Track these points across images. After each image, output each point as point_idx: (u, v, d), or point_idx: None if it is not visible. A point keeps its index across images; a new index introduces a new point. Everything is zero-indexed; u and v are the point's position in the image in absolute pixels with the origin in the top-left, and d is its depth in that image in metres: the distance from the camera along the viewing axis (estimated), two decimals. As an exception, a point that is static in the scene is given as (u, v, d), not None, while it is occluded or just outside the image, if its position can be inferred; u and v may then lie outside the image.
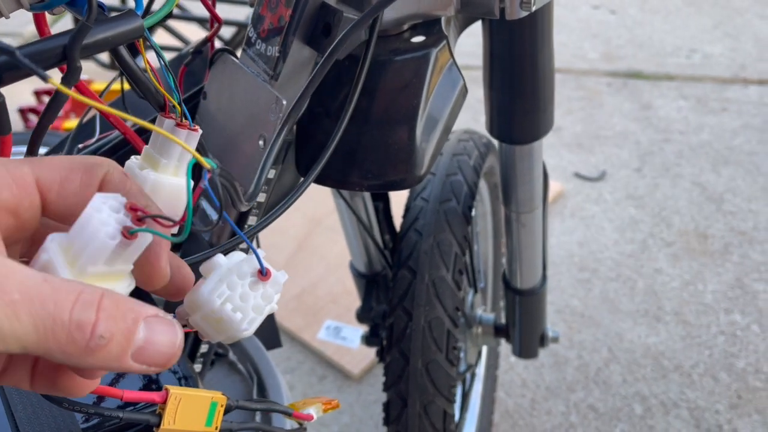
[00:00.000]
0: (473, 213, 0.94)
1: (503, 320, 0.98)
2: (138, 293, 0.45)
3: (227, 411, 0.39)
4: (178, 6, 2.17)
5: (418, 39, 0.51)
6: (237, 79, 0.48)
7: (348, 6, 0.47)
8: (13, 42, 2.86)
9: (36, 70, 0.22)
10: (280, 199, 0.50)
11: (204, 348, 0.58)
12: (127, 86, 0.48)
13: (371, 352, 1.39)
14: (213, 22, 0.48)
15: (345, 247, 1.02)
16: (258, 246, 0.71)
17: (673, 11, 2.96)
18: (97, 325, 0.22)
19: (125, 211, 0.24)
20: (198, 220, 0.54)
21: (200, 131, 0.33)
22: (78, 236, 0.24)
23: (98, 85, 2.17)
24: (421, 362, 0.72)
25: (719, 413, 1.27)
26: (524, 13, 0.49)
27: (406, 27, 0.52)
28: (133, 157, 0.33)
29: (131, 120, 0.23)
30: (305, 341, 1.47)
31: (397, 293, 0.74)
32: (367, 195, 0.86)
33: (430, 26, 0.52)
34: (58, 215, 0.26)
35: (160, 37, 2.38)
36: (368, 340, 0.97)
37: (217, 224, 0.26)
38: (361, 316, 0.95)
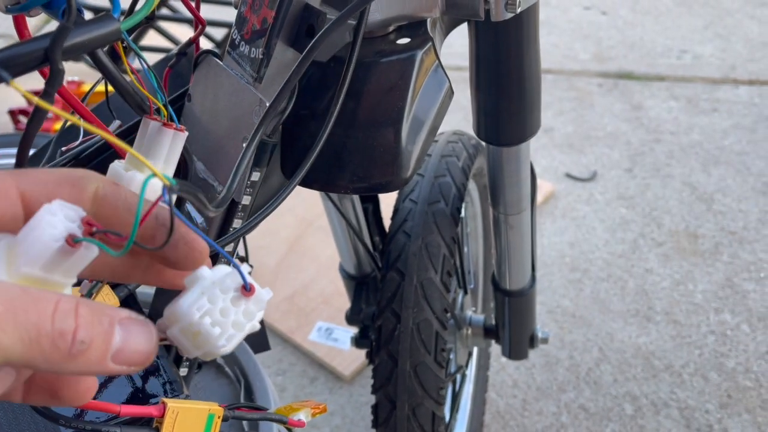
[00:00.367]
0: (462, 214, 0.94)
1: (493, 321, 0.98)
2: (126, 302, 0.45)
3: (223, 420, 0.39)
4: (168, 7, 2.16)
5: (404, 41, 0.51)
6: (221, 81, 0.48)
7: (332, 8, 0.47)
8: (2, 43, 2.85)
9: (5, 76, 0.22)
10: (266, 202, 0.50)
11: (190, 351, 0.57)
12: (111, 88, 0.48)
13: (362, 354, 1.39)
14: (197, 24, 0.48)
15: (336, 249, 1.01)
16: (247, 260, 0.71)
17: (663, 12, 2.98)
18: (78, 332, 0.22)
19: (80, 223, 0.24)
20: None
21: (186, 132, 0.33)
22: (24, 235, 0.23)
23: (88, 87, 2.16)
24: (410, 364, 0.71)
25: (709, 413, 1.27)
26: (509, 15, 0.49)
27: (391, 29, 0.52)
28: (116, 161, 0.33)
29: (98, 133, 0.23)
30: (297, 343, 1.46)
31: (385, 295, 0.74)
32: (355, 197, 0.86)
33: (416, 28, 0.52)
34: None
35: (152, 38, 2.37)
36: (358, 341, 0.96)
37: (166, 243, 0.25)
38: (351, 317, 0.95)
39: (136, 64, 2.15)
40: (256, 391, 0.63)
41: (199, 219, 0.52)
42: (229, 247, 0.54)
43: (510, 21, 0.52)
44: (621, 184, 1.92)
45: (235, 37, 0.48)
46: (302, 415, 0.48)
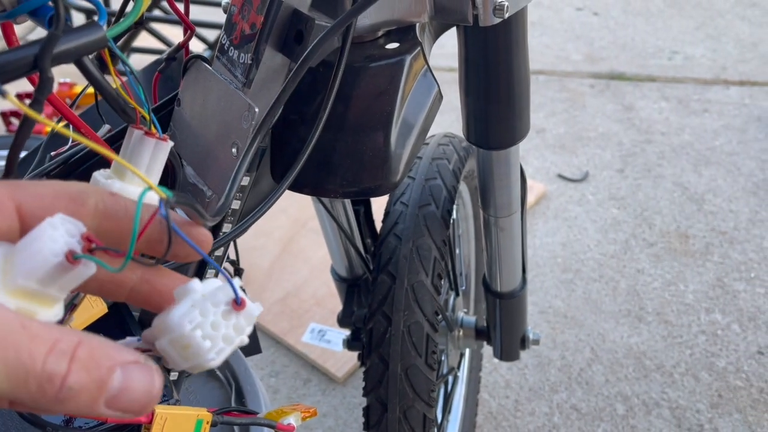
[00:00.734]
0: (454, 216, 0.94)
1: (485, 323, 0.98)
2: (115, 307, 0.44)
3: (212, 426, 0.39)
4: (161, 8, 2.15)
5: (393, 45, 0.51)
6: (210, 86, 0.48)
7: (320, 13, 0.47)
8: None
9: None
10: (256, 206, 0.50)
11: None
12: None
13: (355, 355, 1.39)
14: (186, 29, 0.48)
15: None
16: (238, 263, 0.71)
17: (655, 13, 2.99)
18: (68, 377, 0.22)
19: (80, 238, 0.24)
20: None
21: (170, 142, 0.33)
22: (24, 246, 0.23)
23: (81, 89, 2.15)
24: (401, 367, 0.72)
25: (700, 412, 1.28)
26: (498, 20, 0.50)
27: (380, 33, 0.52)
28: (99, 171, 0.33)
29: (84, 142, 0.23)
30: (290, 344, 1.46)
31: (376, 298, 0.74)
32: (347, 200, 0.86)
33: (405, 33, 0.52)
34: None
35: (145, 40, 2.36)
36: (350, 344, 0.96)
37: (165, 256, 0.25)
38: (343, 320, 0.95)
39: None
40: (247, 395, 0.63)
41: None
42: (219, 251, 0.54)
43: (498, 26, 0.53)
44: (613, 184, 1.92)
45: (224, 42, 0.48)
46: (292, 419, 0.48)
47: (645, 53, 2.65)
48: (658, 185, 1.91)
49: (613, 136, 2.15)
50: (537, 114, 2.29)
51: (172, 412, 0.29)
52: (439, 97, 0.52)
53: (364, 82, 0.50)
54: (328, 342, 1.45)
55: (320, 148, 0.51)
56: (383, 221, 0.80)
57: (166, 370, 0.54)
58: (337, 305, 1.42)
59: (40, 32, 2.34)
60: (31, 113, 0.27)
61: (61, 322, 0.26)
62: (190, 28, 0.47)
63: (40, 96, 0.30)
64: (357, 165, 0.50)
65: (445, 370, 0.98)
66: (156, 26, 2.29)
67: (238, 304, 0.25)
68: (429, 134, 0.99)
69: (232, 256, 0.72)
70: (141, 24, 0.42)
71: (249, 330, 0.26)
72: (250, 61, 0.45)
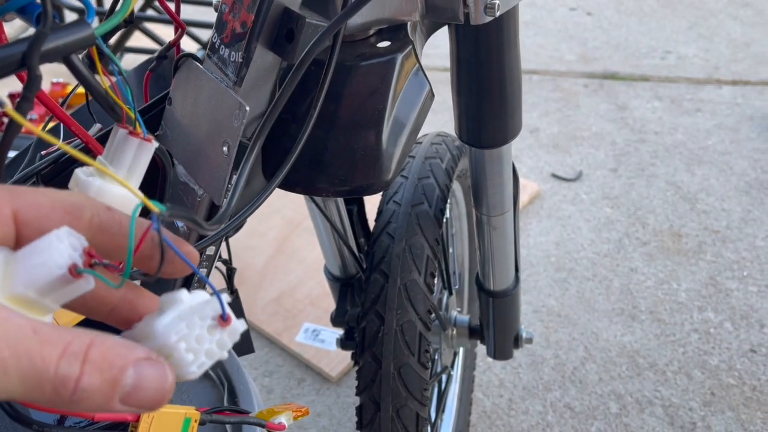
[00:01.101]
0: (447, 215, 0.94)
1: (478, 322, 0.99)
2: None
3: (200, 424, 0.39)
4: (154, 8, 2.15)
5: (384, 44, 0.51)
6: (201, 84, 0.48)
7: (311, 11, 0.47)
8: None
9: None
10: (246, 204, 0.50)
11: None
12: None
13: (349, 355, 1.39)
14: (177, 27, 0.48)
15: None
16: (230, 263, 0.71)
17: (648, 13, 3.00)
18: (81, 380, 0.22)
19: (82, 253, 0.24)
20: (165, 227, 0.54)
21: (154, 142, 0.33)
22: (28, 255, 0.24)
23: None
24: (394, 366, 0.72)
25: (693, 410, 1.29)
26: (489, 18, 0.50)
27: (372, 32, 0.52)
28: (82, 167, 0.32)
29: (60, 146, 0.23)
30: (284, 344, 1.46)
31: (369, 297, 0.74)
32: (339, 199, 0.86)
33: (396, 31, 0.52)
34: None
35: (140, 39, 2.36)
36: (343, 343, 0.96)
37: (159, 272, 0.25)
38: (336, 319, 0.95)
39: (122, 65, 2.13)
40: (240, 394, 0.62)
41: (179, 222, 0.52)
42: (210, 251, 0.54)
43: (490, 24, 0.53)
44: (606, 184, 1.93)
45: (215, 40, 0.48)
46: (283, 418, 0.48)
47: (638, 53, 2.66)
48: (651, 184, 1.91)
49: (606, 135, 2.15)
50: (531, 114, 2.30)
51: (160, 411, 0.29)
52: (431, 95, 0.52)
53: (356, 80, 0.50)
54: (323, 342, 1.45)
55: (312, 147, 0.51)
56: (376, 220, 0.80)
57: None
58: (331, 305, 1.42)
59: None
60: (17, 117, 0.27)
61: None
62: (181, 27, 0.47)
63: (28, 93, 0.30)
64: (349, 163, 0.50)
65: (438, 369, 0.98)
66: (150, 26, 2.29)
67: (224, 320, 0.25)
68: (422, 133, 1.00)
69: (225, 255, 0.72)
70: (131, 22, 0.42)
71: (230, 346, 0.26)
72: (240, 60, 0.45)
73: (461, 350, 1.20)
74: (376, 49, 0.51)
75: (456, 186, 1.02)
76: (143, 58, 2.30)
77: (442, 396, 1.05)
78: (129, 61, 2.45)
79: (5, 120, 2.02)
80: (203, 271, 0.52)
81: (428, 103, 0.52)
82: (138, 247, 0.25)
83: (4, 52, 0.31)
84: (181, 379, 0.25)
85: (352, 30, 0.50)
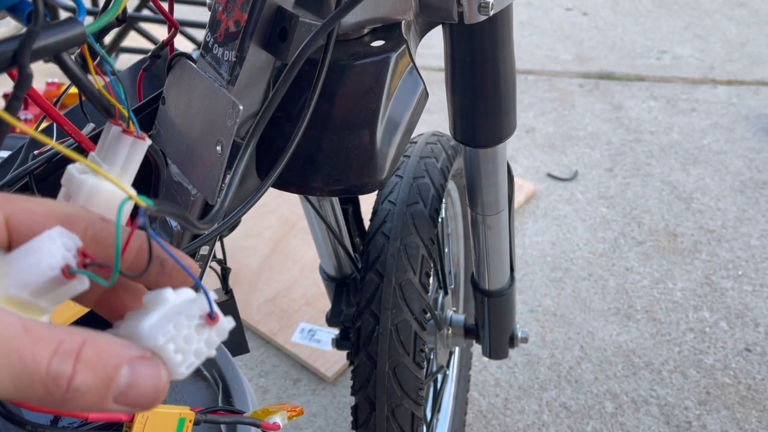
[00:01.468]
0: (443, 215, 0.94)
1: (474, 321, 0.99)
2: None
3: (195, 424, 0.39)
4: (149, 8, 2.14)
5: (378, 43, 0.51)
6: (194, 84, 0.48)
7: (304, 10, 0.47)
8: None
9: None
10: (241, 204, 0.50)
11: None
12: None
13: (345, 355, 1.39)
14: (170, 27, 0.48)
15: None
16: (225, 262, 0.71)
17: (644, 13, 3.01)
18: (74, 378, 0.22)
19: (76, 253, 0.24)
20: (159, 227, 0.53)
21: (147, 141, 0.33)
22: (20, 257, 0.23)
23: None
24: (389, 365, 0.72)
25: (688, 409, 1.29)
26: (483, 18, 0.50)
27: (366, 31, 0.52)
28: (75, 163, 0.32)
29: (51, 144, 0.23)
30: (279, 344, 1.46)
31: (364, 297, 0.74)
32: (335, 198, 0.86)
33: (390, 30, 0.52)
34: None
35: (136, 39, 2.35)
36: (339, 343, 0.96)
37: (147, 269, 0.25)
38: (331, 319, 0.95)
39: (117, 65, 2.13)
40: (235, 394, 0.62)
41: (173, 222, 0.52)
42: (204, 250, 0.54)
43: (484, 23, 0.53)
44: (602, 183, 1.93)
45: (208, 39, 0.48)
46: (278, 418, 0.48)
47: (634, 53, 2.66)
48: (646, 184, 1.92)
49: (602, 135, 2.16)
50: (526, 113, 2.30)
51: (154, 411, 0.29)
52: (425, 94, 0.52)
53: (350, 79, 0.50)
54: (318, 342, 1.45)
55: (306, 146, 0.51)
56: (371, 220, 0.80)
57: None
58: (326, 305, 1.42)
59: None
60: (9, 118, 0.27)
61: None
62: (174, 26, 0.47)
63: (18, 92, 0.30)
64: (343, 163, 0.50)
65: (434, 369, 0.98)
66: (145, 26, 2.28)
67: (212, 318, 0.24)
68: (417, 132, 0.99)
69: (219, 255, 0.72)
70: (126, 22, 0.42)
71: (218, 344, 0.25)
72: (234, 59, 0.45)
73: (457, 350, 1.20)
74: (370, 48, 0.51)
75: (451, 185, 1.02)
76: (138, 58, 2.30)
77: (437, 395, 1.05)
78: (125, 62, 2.45)
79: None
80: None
81: (422, 102, 0.52)
82: (127, 243, 0.24)
83: (-6, 50, 0.31)
84: (171, 379, 0.25)
85: (345, 29, 0.50)
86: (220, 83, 0.46)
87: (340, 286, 0.97)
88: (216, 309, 0.25)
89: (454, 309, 1.11)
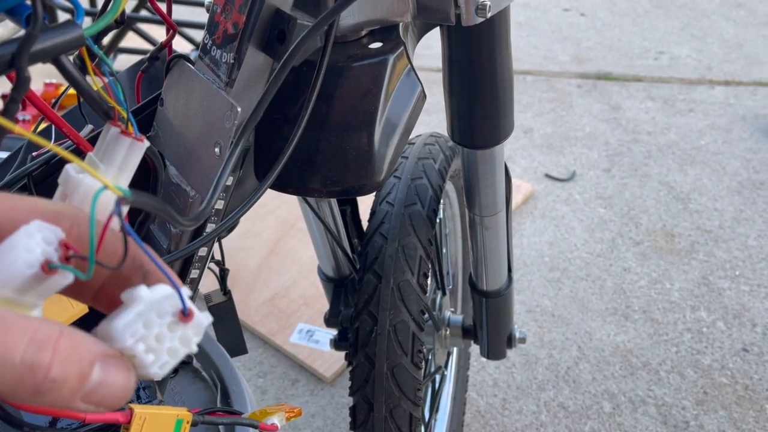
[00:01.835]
0: (441, 216, 0.94)
1: (472, 321, 0.99)
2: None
3: (193, 425, 0.39)
4: (147, 8, 2.14)
5: (376, 45, 0.52)
6: (193, 85, 0.48)
7: (303, 12, 0.47)
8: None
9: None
10: (239, 205, 0.50)
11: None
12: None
13: (343, 355, 1.39)
14: (168, 28, 0.48)
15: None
16: (223, 264, 0.71)
17: (641, 13, 3.01)
18: (51, 369, 0.21)
19: (57, 245, 0.23)
20: (158, 229, 0.54)
21: (146, 142, 0.33)
22: (1, 254, 0.23)
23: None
24: (387, 366, 0.72)
25: (686, 409, 1.29)
26: (480, 20, 0.50)
27: (363, 33, 0.53)
28: (73, 164, 0.32)
29: (48, 147, 0.23)
30: (278, 345, 1.46)
31: (362, 297, 0.74)
32: (333, 200, 0.87)
33: (388, 32, 0.52)
34: None
35: (134, 40, 2.35)
36: (337, 344, 0.97)
37: (124, 261, 0.24)
38: (330, 320, 0.95)
39: (115, 65, 2.13)
40: (233, 395, 0.62)
41: (173, 230, 0.52)
42: (202, 252, 0.54)
43: (481, 25, 0.53)
44: (599, 184, 1.94)
45: (206, 41, 0.48)
46: (276, 419, 0.48)
47: (631, 53, 2.67)
48: (644, 184, 1.92)
49: (599, 135, 2.16)
50: (524, 114, 2.30)
51: (151, 412, 0.29)
52: (423, 96, 0.53)
53: (348, 81, 0.50)
54: (317, 342, 1.45)
55: (304, 148, 0.51)
56: (369, 221, 0.80)
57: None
58: (325, 306, 1.42)
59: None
60: (5, 122, 0.27)
61: None
62: (173, 28, 0.47)
63: (16, 95, 0.30)
64: (341, 164, 0.50)
65: (432, 369, 0.98)
66: (143, 27, 2.28)
67: (185, 315, 0.24)
68: (415, 133, 1.00)
69: (218, 256, 0.72)
70: (124, 23, 0.42)
71: (197, 340, 0.24)
72: (232, 61, 0.45)
73: (455, 350, 1.20)
74: (367, 50, 0.51)
75: (449, 186, 1.02)
76: (137, 58, 2.30)
77: (435, 396, 1.05)
78: (122, 62, 2.45)
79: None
80: (195, 273, 0.52)
81: (420, 103, 0.52)
82: (102, 235, 0.23)
83: (-7, 53, 0.31)
84: (147, 378, 0.24)
85: (343, 31, 0.50)
86: (218, 85, 0.46)
87: (338, 286, 0.97)
88: (189, 305, 0.24)
89: (452, 309, 1.11)
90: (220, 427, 0.60)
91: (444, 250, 1.08)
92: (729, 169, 1.96)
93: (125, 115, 0.33)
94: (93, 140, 0.50)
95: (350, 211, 0.90)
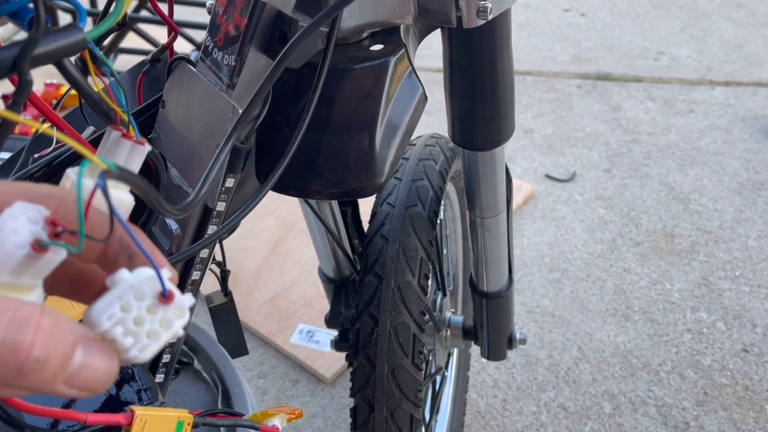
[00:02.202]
0: (441, 217, 0.94)
1: (472, 322, 0.99)
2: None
3: (194, 427, 0.39)
4: (148, 9, 2.14)
5: (377, 47, 0.52)
6: (194, 87, 0.48)
7: (304, 15, 0.47)
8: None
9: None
10: (240, 207, 0.50)
11: (166, 358, 0.57)
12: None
13: (344, 356, 1.39)
14: (170, 30, 0.48)
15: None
16: (224, 265, 0.71)
17: (641, 14, 3.01)
18: (34, 348, 0.20)
19: (44, 224, 0.23)
20: (159, 231, 0.54)
21: (147, 146, 0.33)
22: None
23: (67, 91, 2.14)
24: (387, 367, 0.72)
25: (686, 410, 1.29)
26: (481, 22, 0.50)
27: (365, 35, 0.53)
28: (73, 167, 0.33)
29: (63, 139, 0.23)
30: (278, 345, 1.46)
31: (363, 299, 0.74)
32: (333, 201, 0.87)
33: (389, 34, 0.52)
34: None
35: (133, 41, 2.35)
36: (338, 344, 0.97)
37: (110, 236, 0.24)
38: (330, 321, 0.95)
39: (115, 66, 2.13)
40: (234, 397, 0.63)
41: (174, 226, 0.52)
42: (204, 253, 0.54)
43: (482, 27, 0.53)
44: (600, 184, 1.94)
45: (208, 44, 0.48)
46: (277, 421, 0.48)
47: (631, 54, 2.67)
48: (644, 185, 1.92)
49: (600, 136, 2.16)
50: (525, 114, 2.30)
51: (152, 413, 0.29)
52: (424, 98, 0.53)
53: (349, 83, 0.50)
54: (317, 343, 1.45)
55: (305, 150, 0.51)
56: (370, 222, 0.80)
57: (151, 372, 0.54)
58: (325, 306, 1.42)
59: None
60: (10, 114, 0.27)
61: None
62: (174, 30, 0.47)
63: (18, 98, 0.30)
64: (342, 166, 0.50)
65: (432, 370, 0.98)
66: (144, 27, 2.28)
67: (165, 297, 0.23)
68: (417, 134, 1.00)
69: (219, 258, 0.72)
70: (124, 25, 0.42)
71: (180, 323, 0.24)
72: (234, 63, 0.45)
73: (455, 351, 1.20)
74: (369, 52, 0.51)
75: (450, 187, 1.02)
76: (137, 59, 2.30)
77: (436, 397, 1.06)
78: (123, 62, 2.45)
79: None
80: (196, 274, 0.52)
81: (421, 105, 0.53)
82: (88, 207, 0.23)
83: (-4, 56, 0.31)
84: (130, 363, 0.24)
85: (345, 33, 0.50)
86: (219, 87, 0.46)
87: (339, 287, 0.97)
88: (170, 286, 0.23)
89: (453, 310, 1.11)
90: (221, 428, 0.60)
91: (445, 251, 1.08)
92: (729, 170, 1.96)
93: (126, 118, 0.33)
94: (94, 142, 0.50)
95: (351, 212, 0.90)
